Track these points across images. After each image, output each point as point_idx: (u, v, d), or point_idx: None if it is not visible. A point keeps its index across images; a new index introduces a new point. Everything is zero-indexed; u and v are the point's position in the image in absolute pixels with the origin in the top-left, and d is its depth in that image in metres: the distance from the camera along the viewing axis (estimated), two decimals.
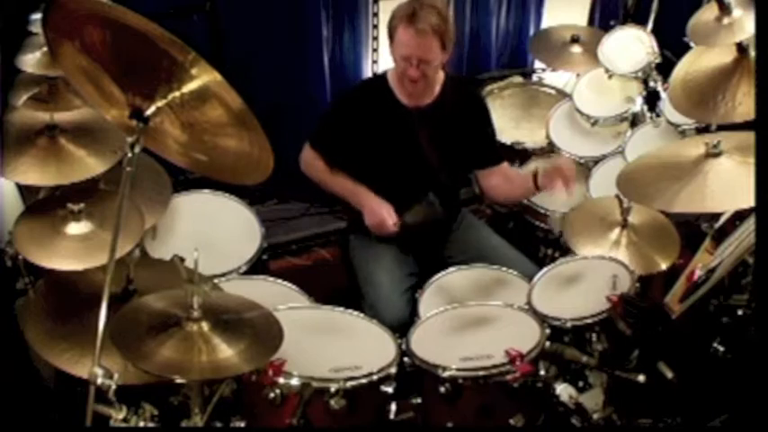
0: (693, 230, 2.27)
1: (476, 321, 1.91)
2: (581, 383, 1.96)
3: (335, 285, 2.49)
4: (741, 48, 2.00)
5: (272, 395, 1.76)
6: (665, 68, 2.75)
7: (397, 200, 2.31)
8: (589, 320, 2.02)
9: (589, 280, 2.05)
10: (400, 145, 2.33)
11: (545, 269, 2.03)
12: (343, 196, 2.41)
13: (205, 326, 1.57)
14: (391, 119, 2.32)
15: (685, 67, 2.15)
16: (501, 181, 2.47)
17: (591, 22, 3.81)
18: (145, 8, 1.39)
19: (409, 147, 2.33)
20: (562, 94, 3.20)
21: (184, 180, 2.49)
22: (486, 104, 2.52)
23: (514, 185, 2.46)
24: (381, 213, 2.26)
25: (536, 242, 2.86)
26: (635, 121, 2.95)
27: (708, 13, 2.08)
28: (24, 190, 2.21)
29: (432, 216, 2.32)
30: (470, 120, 2.41)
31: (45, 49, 2.02)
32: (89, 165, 1.96)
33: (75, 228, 1.83)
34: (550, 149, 2.99)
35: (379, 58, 3.37)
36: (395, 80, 2.33)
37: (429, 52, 2.15)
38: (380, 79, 2.38)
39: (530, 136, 3.10)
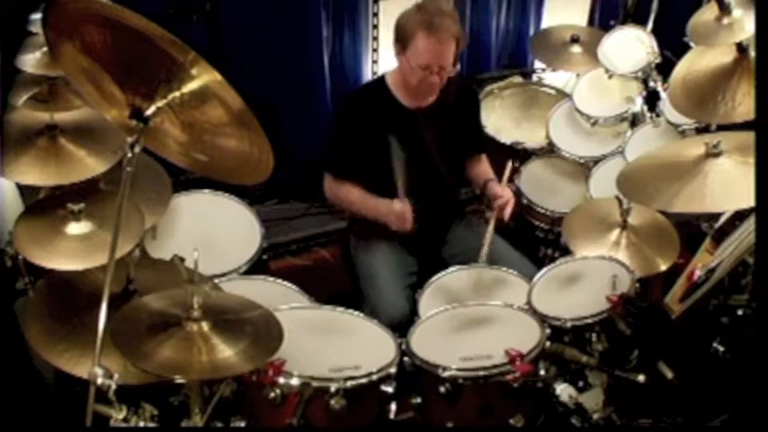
0: (693, 230, 2.27)
1: (476, 321, 1.91)
2: (581, 383, 1.96)
3: (335, 285, 2.49)
4: (741, 48, 2.00)
5: (272, 395, 1.76)
6: (665, 68, 2.75)
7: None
8: (589, 320, 2.01)
9: (589, 280, 2.05)
10: (406, 147, 2.30)
11: (545, 269, 2.04)
12: (369, 216, 2.36)
13: (205, 326, 1.57)
14: (395, 122, 2.30)
15: (685, 67, 2.15)
16: (479, 170, 2.53)
17: (591, 22, 3.81)
18: (145, 8, 1.39)
19: (415, 148, 2.31)
20: (562, 94, 3.20)
21: (184, 180, 2.49)
22: (478, 96, 2.59)
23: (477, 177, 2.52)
24: (396, 211, 2.22)
25: (536, 242, 2.87)
26: (635, 121, 2.94)
27: (708, 13, 2.08)
28: (24, 190, 2.21)
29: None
30: (466, 113, 2.46)
31: (45, 49, 2.02)
32: (89, 165, 1.95)
33: (76, 228, 1.83)
34: (550, 149, 2.99)
35: (379, 58, 3.37)
36: (396, 83, 2.32)
37: (449, 58, 2.18)
38: (379, 83, 2.37)
39: (530, 136, 3.10)
